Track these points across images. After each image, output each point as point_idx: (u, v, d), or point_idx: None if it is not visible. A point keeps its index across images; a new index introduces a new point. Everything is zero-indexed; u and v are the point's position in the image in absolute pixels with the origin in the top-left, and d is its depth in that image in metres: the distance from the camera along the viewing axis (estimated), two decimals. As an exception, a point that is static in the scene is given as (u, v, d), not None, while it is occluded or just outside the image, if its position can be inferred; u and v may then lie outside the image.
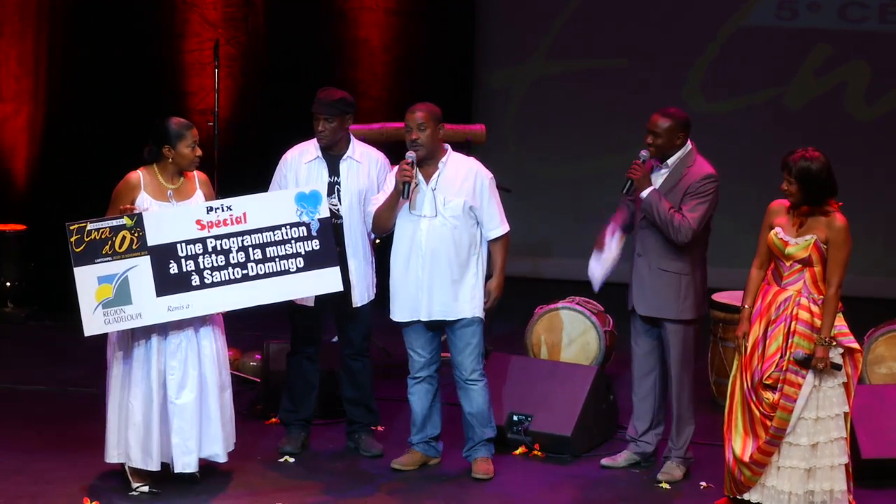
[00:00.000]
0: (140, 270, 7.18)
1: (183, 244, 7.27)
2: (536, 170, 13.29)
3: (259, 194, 7.66)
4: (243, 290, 7.37)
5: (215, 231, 7.33)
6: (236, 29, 12.43)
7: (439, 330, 7.89)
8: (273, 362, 8.79)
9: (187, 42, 12.34)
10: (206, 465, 7.62)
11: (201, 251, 7.30)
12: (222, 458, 7.52)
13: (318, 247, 7.50)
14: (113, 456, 7.39)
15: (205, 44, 12.14)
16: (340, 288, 7.62)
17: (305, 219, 7.51)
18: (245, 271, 7.37)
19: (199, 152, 7.45)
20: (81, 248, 7.11)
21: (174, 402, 7.34)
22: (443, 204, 7.69)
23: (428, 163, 7.74)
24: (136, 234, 7.17)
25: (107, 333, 7.39)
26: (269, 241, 7.43)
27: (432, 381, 7.93)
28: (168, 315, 7.22)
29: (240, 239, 7.38)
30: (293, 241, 7.47)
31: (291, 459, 8.06)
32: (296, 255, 7.46)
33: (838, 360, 7.07)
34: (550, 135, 13.34)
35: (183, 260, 7.26)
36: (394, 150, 8.66)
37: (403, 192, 7.64)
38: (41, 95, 11.84)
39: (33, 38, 11.76)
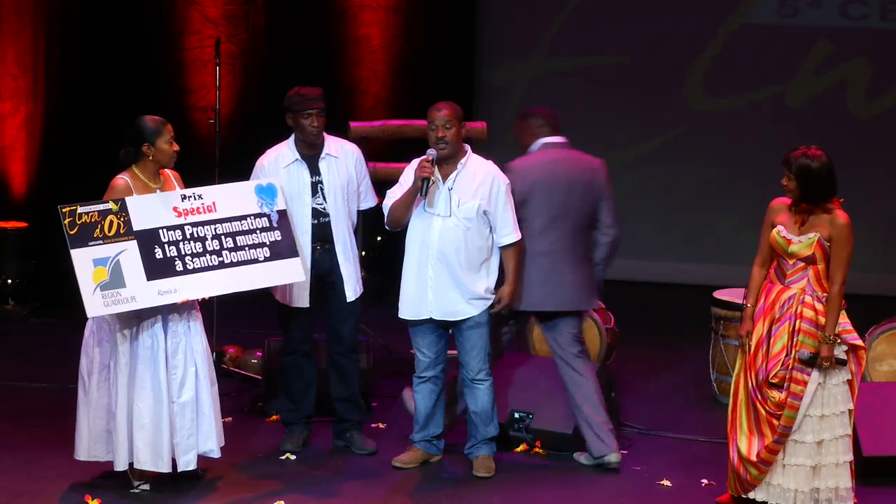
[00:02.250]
0: (130, 254, 7.21)
1: (164, 230, 7.32)
2: (537, 167, 13.27)
3: (223, 185, 7.71)
4: (222, 276, 7.43)
5: (191, 218, 7.40)
6: (237, 26, 12.45)
7: (446, 330, 7.88)
8: (274, 360, 8.78)
9: (188, 39, 12.36)
10: (207, 463, 7.61)
11: (181, 238, 7.36)
12: (216, 454, 7.52)
13: (279, 238, 7.58)
14: (122, 463, 7.35)
15: (206, 41, 12.15)
16: (303, 278, 7.69)
17: (266, 210, 7.58)
18: (221, 259, 7.44)
19: (176, 147, 7.45)
20: (75, 230, 7.14)
21: (176, 400, 7.33)
22: (457, 205, 7.67)
23: (447, 162, 7.71)
24: (122, 219, 7.22)
25: (92, 342, 7.37)
26: (237, 230, 7.51)
27: (437, 382, 7.92)
28: (159, 299, 7.24)
29: (213, 227, 7.45)
30: (258, 231, 7.55)
31: (293, 457, 8.06)
32: (262, 245, 7.54)
33: (842, 356, 7.06)
34: (551, 132, 13.34)
35: (166, 245, 7.31)
36: (395, 147, 8.68)
37: (422, 188, 7.62)
38: (40, 94, 11.84)
39: (31, 36, 11.76)
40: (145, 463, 7.30)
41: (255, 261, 7.50)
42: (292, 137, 8.00)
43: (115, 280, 7.16)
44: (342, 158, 8.00)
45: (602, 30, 13.20)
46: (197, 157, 11.36)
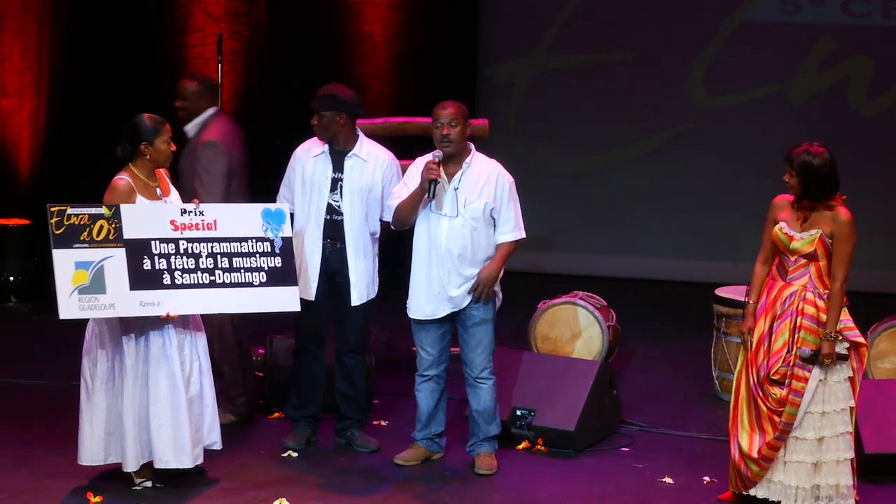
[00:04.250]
0: (115, 261, 7.15)
1: (157, 242, 7.24)
2: (539, 164, 13.30)
3: (229, 204, 7.64)
4: (210, 295, 7.34)
5: (187, 234, 7.31)
6: (239, 24, 12.45)
7: (449, 330, 7.87)
8: (277, 357, 8.79)
9: (190, 37, 12.36)
10: (210, 460, 7.61)
11: (174, 251, 7.27)
12: (219, 446, 7.52)
13: (279, 264, 7.46)
14: (132, 464, 7.36)
15: (208, 38, 12.16)
16: (297, 308, 7.58)
17: (270, 235, 7.48)
18: (213, 278, 7.34)
19: (173, 147, 7.41)
20: (61, 230, 7.10)
21: (185, 396, 7.32)
22: (464, 205, 7.65)
23: (452, 161, 7.69)
24: (113, 225, 7.16)
25: (94, 344, 7.36)
26: (236, 251, 7.41)
27: (439, 381, 7.91)
28: (140, 310, 7.18)
29: (209, 245, 7.35)
30: (258, 256, 7.44)
31: (295, 454, 8.06)
32: (259, 270, 7.43)
33: (844, 352, 7.06)
34: (553, 129, 13.36)
35: (156, 257, 7.23)
36: (397, 144, 8.66)
37: (429, 191, 7.60)
38: (44, 90, 11.84)
39: (36, 32, 11.76)
40: (169, 462, 7.30)
41: (250, 285, 7.41)
42: None
43: (96, 285, 7.11)
44: (371, 163, 7.98)
45: (604, 27, 13.20)
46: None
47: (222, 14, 12.40)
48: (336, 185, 7.96)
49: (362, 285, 8.04)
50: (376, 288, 8.15)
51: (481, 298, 7.71)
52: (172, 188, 7.49)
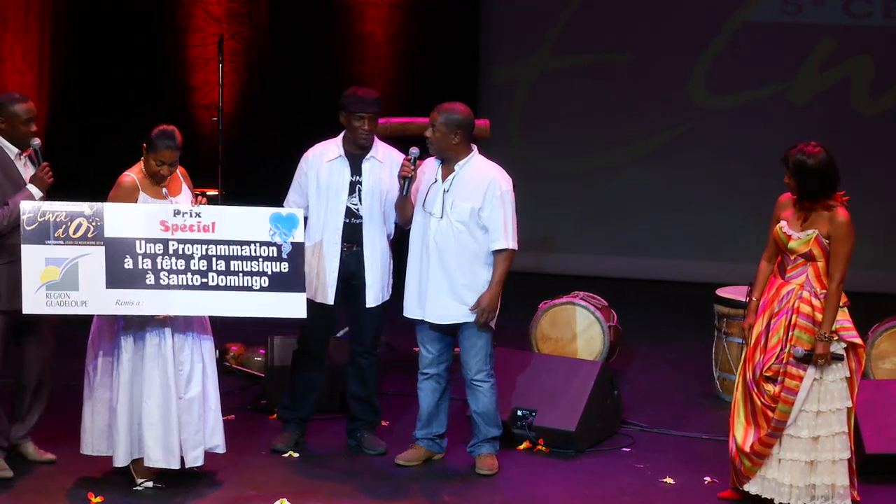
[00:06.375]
0: (92, 259, 7.12)
1: (142, 241, 7.19)
2: (540, 165, 13.31)
3: (235, 207, 7.51)
4: (199, 297, 7.26)
5: (179, 235, 7.23)
6: (240, 24, 12.46)
7: (450, 329, 7.85)
8: (277, 358, 8.79)
9: (191, 37, 12.37)
10: (211, 460, 7.61)
11: (161, 251, 7.21)
12: (222, 449, 7.52)
13: (286, 270, 7.34)
14: (122, 460, 7.37)
15: (209, 39, 12.17)
16: (304, 315, 7.44)
17: (278, 240, 7.37)
18: (204, 280, 7.26)
19: (164, 171, 7.31)
20: (33, 227, 7.09)
21: (183, 396, 7.33)
22: (450, 206, 7.65)
23: (447, 163, 7.70)
24: (93, 223, 7.13)
25: (98, 338, 7.37)
26: (234, 254, 7.30)
27: (440, 381, 7.90)
28: (116, 308, 7.16)
29: (204, 247, 7.26)
30: (260, 260, 7.32)
31: (295, 455, 8.04)
32: (261, 274, 7.32)
33: (840, 351, 7.06)
34: (555, 130, 13.36)
35: (140, 257, 7.18)
36: (398, 144, 8.69)
37: (402, 187, 7.64)
38: (45, 90, 11.85)
39: (38, 32, 11.77)
40: (157, 461, 7.31)
41: (249, 288, 7.31)
42: (342, 134, 7.97)
43: (67, 282, 7.10)
44: (387, 164, 7.93)
45: (606, 27, 13.20)
46: (199, 155, 11.38)
47: (223, 14, 12.41)
48: (354, 188, 7.91)
49: (377, 287, 7.99)
50: (391, 290, 8.11)
51: (484, 322, 7.65)
52: (185, 188, 7.46)
